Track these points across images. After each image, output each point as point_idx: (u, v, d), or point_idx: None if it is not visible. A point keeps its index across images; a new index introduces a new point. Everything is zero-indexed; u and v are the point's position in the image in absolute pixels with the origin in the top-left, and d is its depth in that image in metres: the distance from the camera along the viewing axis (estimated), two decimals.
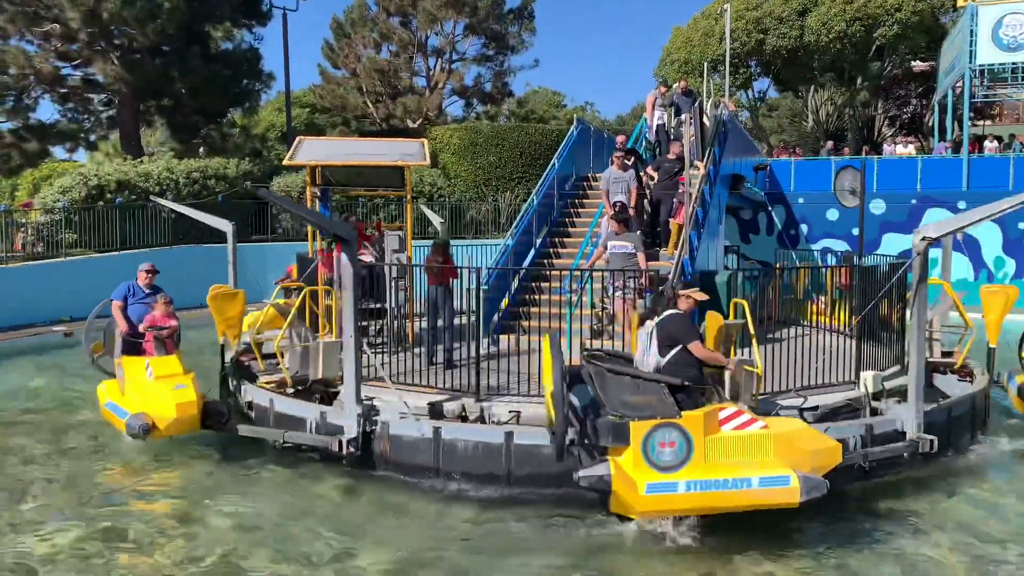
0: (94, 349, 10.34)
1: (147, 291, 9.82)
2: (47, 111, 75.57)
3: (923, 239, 7.63)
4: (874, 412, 8.46)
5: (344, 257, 7.77)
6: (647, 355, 7.17)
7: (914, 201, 21.99)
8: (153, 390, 8.57)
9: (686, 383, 6.78)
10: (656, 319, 7.23)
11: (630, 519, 6.56)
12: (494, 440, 7.50)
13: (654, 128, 14.90)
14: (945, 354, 10.76)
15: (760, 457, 6.21)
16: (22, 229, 20.05)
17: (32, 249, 19.48)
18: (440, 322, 10.09)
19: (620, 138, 14.85)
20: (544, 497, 7.25)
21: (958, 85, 23.61)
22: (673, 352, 6.99)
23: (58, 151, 31.19)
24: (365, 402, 8.07)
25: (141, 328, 9.36)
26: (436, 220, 15.85)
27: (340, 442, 7.78)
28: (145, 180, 21.84)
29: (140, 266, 10.05)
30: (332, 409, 8.39)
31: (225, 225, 11.75)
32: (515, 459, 7.39)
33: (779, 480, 6.04)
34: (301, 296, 10.21)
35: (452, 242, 19.74)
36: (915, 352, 8.05)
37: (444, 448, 7.58)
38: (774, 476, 6.06)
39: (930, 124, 30.75)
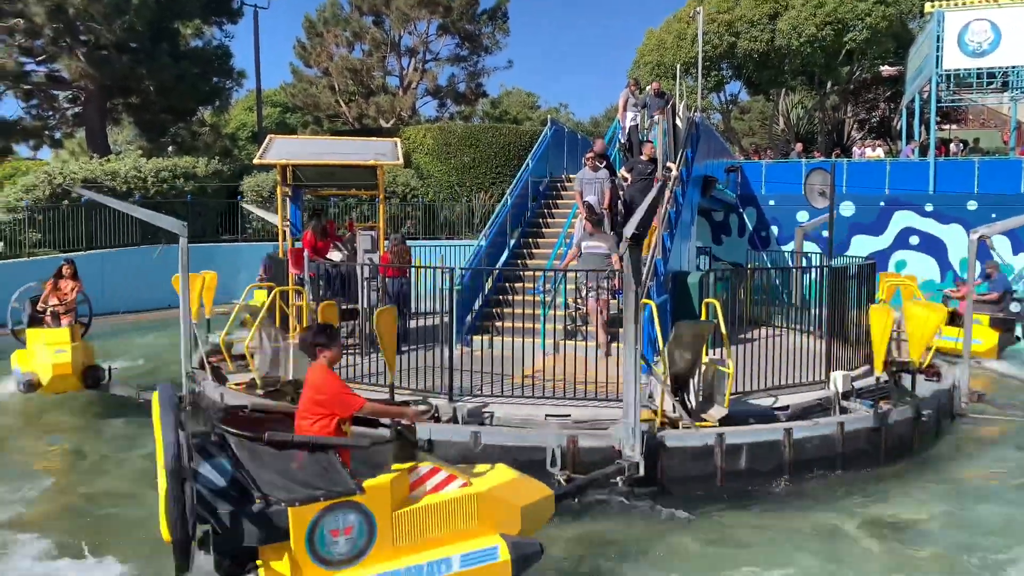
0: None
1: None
2: (10, 108, 73.94)
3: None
4: (843, 411, 8.54)
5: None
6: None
7: (883, 203, 22.27)
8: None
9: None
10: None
11: None
12: None
13: (627, 129, 14.92)
14: None
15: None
16: None
17: None
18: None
19: (598, 143, 14.65)
20: None
21: (925, 89, 23.99)
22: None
23: (22, 149, 30.57)
24: None
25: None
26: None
27: None
28: (112, 179, 21.48)
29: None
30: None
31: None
32: None
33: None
34: (271, 296, 10.08)
35: (428, 242, 19.71)
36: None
37: None
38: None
39: (898, 128, 31.23)
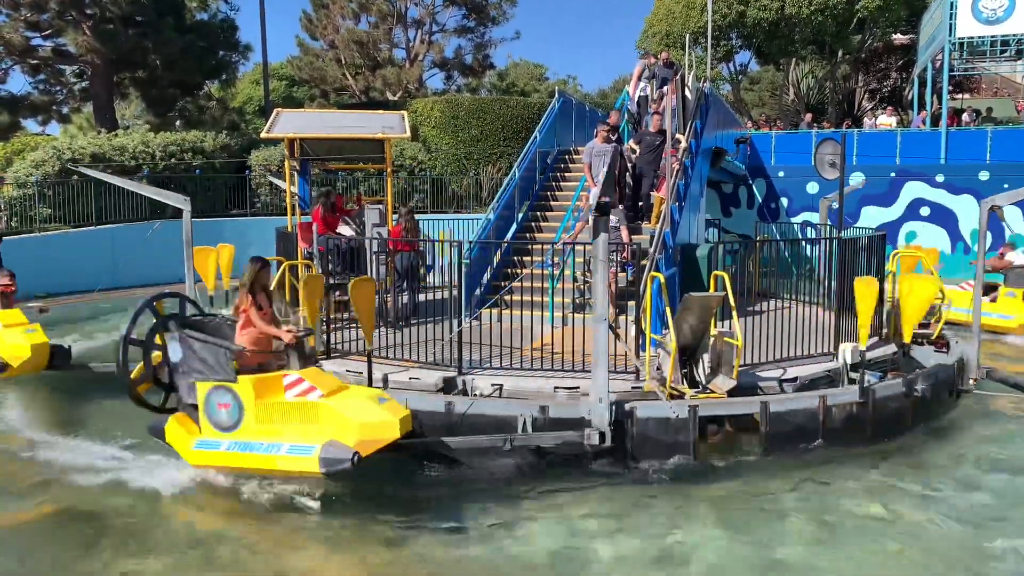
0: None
1: None
2: (18, 83, 73.80)
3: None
4: (851, 383, 8.56)
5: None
6: None
7: (893, 174, 22.10)
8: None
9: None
10: None
11: None
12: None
13: (636, 100, 14.80)
14: (922, 326, 10.88)
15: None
16: None
17: (8, 224, 19.17)
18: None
19: (613, 115, 14.41)
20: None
21: (937, 58, 23.67)
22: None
23: (30, 124, 30.61)
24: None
25: None
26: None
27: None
28: (120, 154, 21.51)
29: None
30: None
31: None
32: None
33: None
34: (280, 270, 10.13)
35: (434, 216, 19.70)
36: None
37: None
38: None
39: (909, 97, 30.83)
